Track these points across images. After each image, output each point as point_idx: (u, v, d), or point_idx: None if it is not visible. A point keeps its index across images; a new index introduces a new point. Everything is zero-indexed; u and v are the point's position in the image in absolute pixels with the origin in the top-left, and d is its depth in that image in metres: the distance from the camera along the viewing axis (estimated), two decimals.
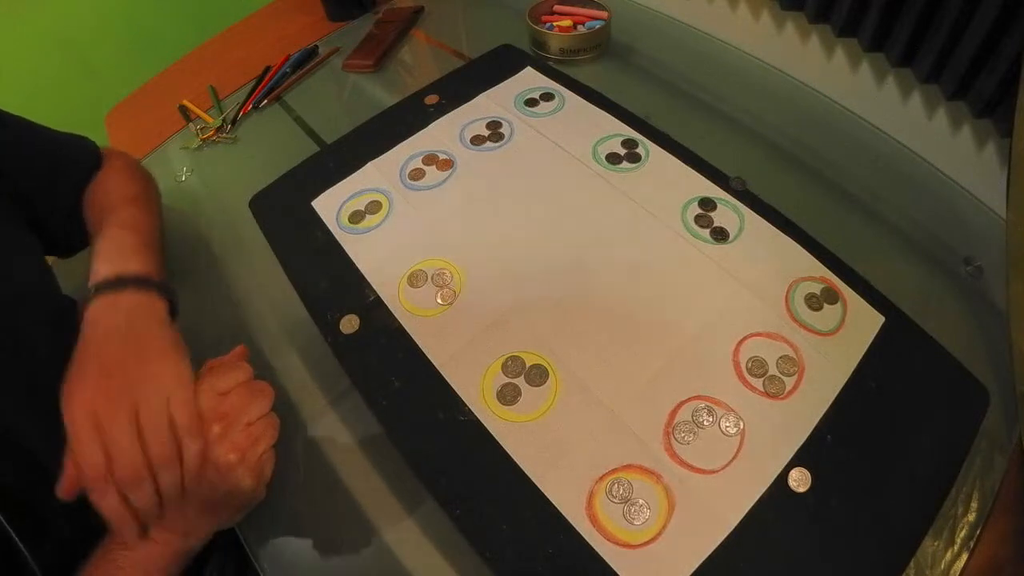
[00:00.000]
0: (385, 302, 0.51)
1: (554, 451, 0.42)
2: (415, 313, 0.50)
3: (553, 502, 0.40)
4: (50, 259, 0.54)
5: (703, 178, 0.57)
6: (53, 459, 0.36)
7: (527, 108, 0.66)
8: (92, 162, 0.56)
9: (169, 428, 0.36)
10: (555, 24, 0.75)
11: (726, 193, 0.56)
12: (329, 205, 0.59)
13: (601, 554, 0.38)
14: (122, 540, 0.37)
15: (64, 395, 0.36)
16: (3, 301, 0.43)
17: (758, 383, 0.44)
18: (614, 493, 0.40)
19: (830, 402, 0.43)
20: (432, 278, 0.52)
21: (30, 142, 0.53)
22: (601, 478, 0.41)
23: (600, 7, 0.76)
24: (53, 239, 0.54)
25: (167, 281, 0.47)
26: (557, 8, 0.78)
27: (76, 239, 0.54)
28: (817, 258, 0.51)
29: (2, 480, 0.39)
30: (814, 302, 0.48)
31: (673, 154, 0.60)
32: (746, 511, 0.39)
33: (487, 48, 0.76)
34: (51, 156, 0.53)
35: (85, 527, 0.38)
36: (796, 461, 0.41)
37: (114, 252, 0.46)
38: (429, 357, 0.47)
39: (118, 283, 0.43)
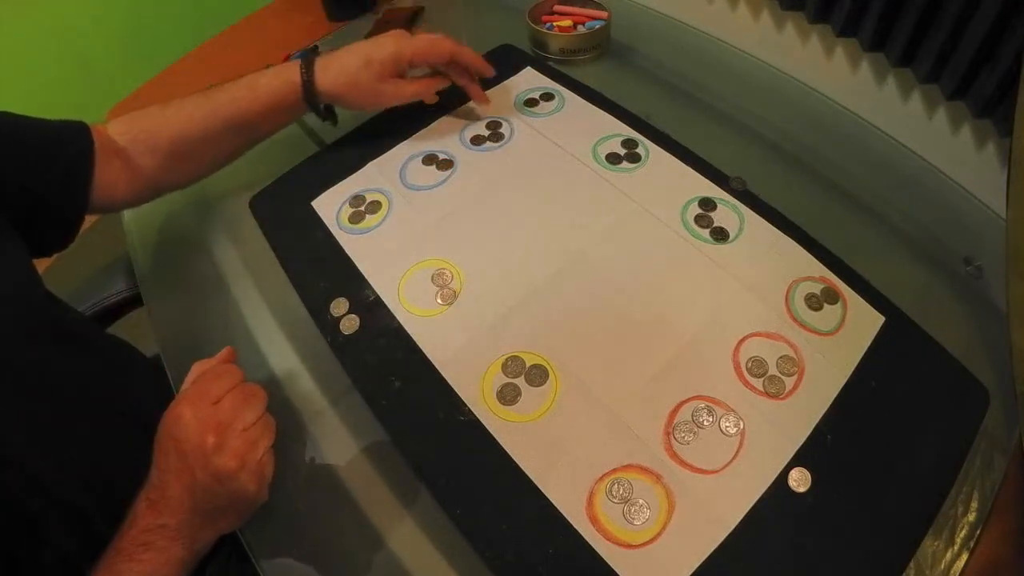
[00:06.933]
0: (385, 302, 0.51)
1: (554, 451, 0.42)
2: (415, 313, 0.50)
3: (553, 502, 0.40)
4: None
5: (703, 178, 0.57)
6: (44, 467, 0.36)
7: (527, 108, 0.66)
8: (84, 145, 0.52)
9: None
10: (555, 24, 0.75)
11: (726, 193, 0.56)
12: (329, 205, 0.59)
13: (601, 554, 0.38)
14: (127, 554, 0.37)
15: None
16: None
17: (758, 383, 0.44)
18: (614, 493, 0.40)
19: (830, 402, 0.43)
20: (432, 278, 0.52)
21: (11, 132, 0.49)
22: (601, 478, 0.41)
23: (600, 7, 0.75)
24: (40, 237, 0.51)
25: None
26: (557, 8, 0.78)
27: (61, 234, 0.52)
28: (817, 258, 0.51)
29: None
30: (814, 302, 0.48)
31: (673, 154, 0.60)
32: (746, 511, 0.39)
33: (487, 48, 0.76)
34: (37, 147, 0.50)
35: (86, 541, 0.38)
36: (796, 461, 0.41)
37: None
38: (429, 357, 0.47)
39: None
